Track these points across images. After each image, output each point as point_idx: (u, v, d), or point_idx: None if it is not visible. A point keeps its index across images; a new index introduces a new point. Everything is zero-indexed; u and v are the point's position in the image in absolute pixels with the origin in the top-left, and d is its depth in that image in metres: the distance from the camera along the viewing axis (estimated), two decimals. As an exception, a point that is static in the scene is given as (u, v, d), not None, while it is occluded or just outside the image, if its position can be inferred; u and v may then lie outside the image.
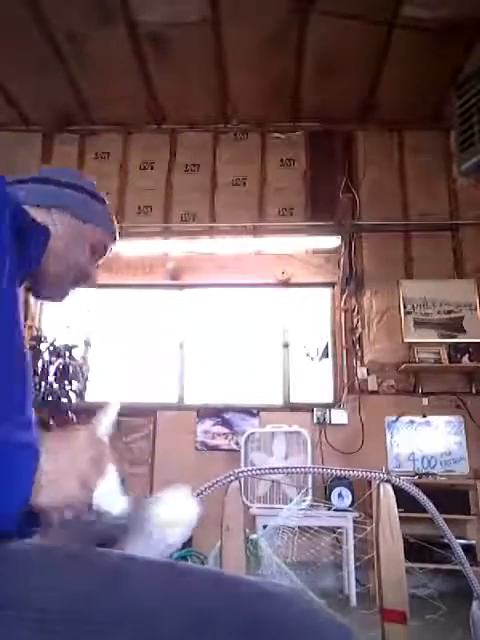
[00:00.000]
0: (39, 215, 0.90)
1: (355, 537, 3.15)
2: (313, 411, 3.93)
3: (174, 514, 0.74)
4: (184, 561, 0.66)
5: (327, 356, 4.23)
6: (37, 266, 0.88)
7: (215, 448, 3.96)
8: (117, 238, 1.04)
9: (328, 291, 4.36)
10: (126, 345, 4.32)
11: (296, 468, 0.83)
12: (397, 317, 4.06)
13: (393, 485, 0.76)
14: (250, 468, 0.77)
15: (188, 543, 3.13)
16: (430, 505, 0.76)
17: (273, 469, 0.79)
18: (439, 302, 4.05)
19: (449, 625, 2.17)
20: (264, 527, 3.02)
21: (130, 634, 0.54)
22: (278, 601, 0.57)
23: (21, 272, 0.82)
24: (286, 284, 4.31)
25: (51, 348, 3.77)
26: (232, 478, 0.79)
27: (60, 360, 3.75)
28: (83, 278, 0.98)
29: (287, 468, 0.77)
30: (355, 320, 4.13)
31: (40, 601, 0.55)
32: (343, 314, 4.19)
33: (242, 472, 0.81)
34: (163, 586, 0.58)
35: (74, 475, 0.60)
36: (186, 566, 0.64)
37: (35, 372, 3.68)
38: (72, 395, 3.76)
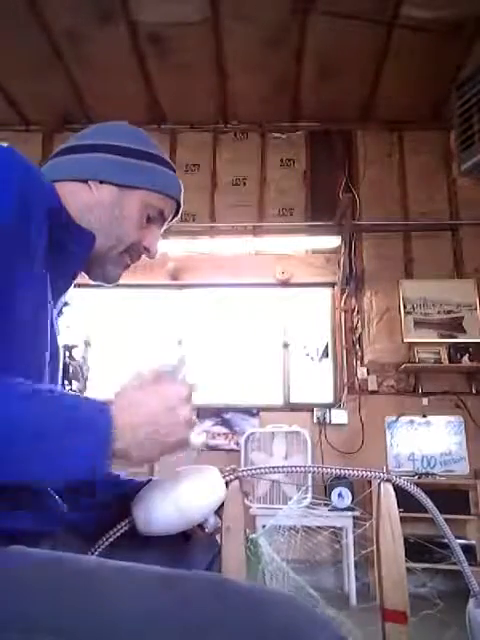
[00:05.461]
0: (73, 192, 0.81)
1: (354, 533, 3.16)
2: (313, 411, 3.93)
3: (199, 487, 0.75)
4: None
5: (327, 356, 4.23)
6: (82, 267, 0.84)
7: (215, 448, 3.96)
8: (179, 197, 0.89)
9: (328, 291, 4.35)
10: (126, 345, 4.32)
11: (296, 467, 0.83)
12: (397, 317, 4.06)
13: (393, 484, 0.76)
14: (250, 468, 0.77)
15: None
16: (430, 504, 0.76)
17: (273, 468, 0.79)
18: (439, 302, 4.04)
19: (446, 621, 2.18)
20: (263, 527, 3.02)
21: None
22: (279, 609, 0.55)
23: (64, 276, 0.80)
24: (286, 284, 4.31)
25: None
26: (231, 477, 0.79)
27: (60, 360, 3.74)
28: (138, 251, 0.87)
29: (287, 467, 0.77)
30: (355, 320, 4.13)
31: (26, 620, 0.52)
32: (343, 314, 4.19)
33: (242, 471, 0.81)
34: (158, 598, 0.55)
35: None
36: (182, 574, 0.60)
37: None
38: (72, 395, 3.76)
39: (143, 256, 0.90)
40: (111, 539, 0.76)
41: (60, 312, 0.88)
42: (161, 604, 0.54)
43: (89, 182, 0.82)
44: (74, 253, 0.80)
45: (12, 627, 0.51)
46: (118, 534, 0.76)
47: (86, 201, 0.81)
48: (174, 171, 0.90)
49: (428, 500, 0.76)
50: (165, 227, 0.91)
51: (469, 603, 0.76)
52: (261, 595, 0.57)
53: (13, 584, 0.55)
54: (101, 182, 0.82)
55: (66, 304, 0.88)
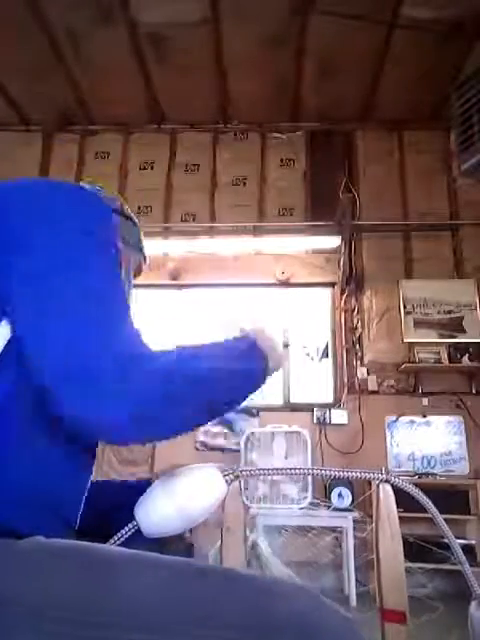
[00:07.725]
0: None
1: (355, 537, 3.15)
2: (313, 411, 3.93)
3: (199, 487, 0.75)
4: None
5: (327, 356, 4.23)
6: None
7: (215, 448, 3.96)
8: (148, 259, 1.04)
9: (328, 291, 4.35)
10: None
11: (296, 470, 0.83)
12: (397, 317, 4.06)
13: (393, 485, 0.76)
14: (250, 468, 0.77)
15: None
16: (430, 504, 0.76)
17: (273, 470, 0.78)
18: (439, 302, 4.04)
19: (447, 625, 2.17)
20: (264, 527, 3.02)
21: (133, 634, 0.54)
22: (288, 598, 0.57)
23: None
24: (286, 284, 4.31)
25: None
26: (232, 477, 0.79)
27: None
28: None
29: (287, 469, 0.77)
30: (355, 320, 4.12)
31: (38, 601, 0.54)
32: (343, 314, 4.19)
33: (242, 471, 0.81)
34: (167, 584, 0.58)
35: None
36: (190, 562, 0.63)
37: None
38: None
39: None
40: (117, 543, 0.76)
41: None
42: (173, 591, 0.57)
43: None
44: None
45: (29, 612, 0.53)
46: (124, 539, 0.76)
47: None
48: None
49: (428, 501, 0.76)
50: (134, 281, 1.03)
51: (471, 606, 0.75)
52: (270, 584, 0.60)
53: (33, 572, 0.57)
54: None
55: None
